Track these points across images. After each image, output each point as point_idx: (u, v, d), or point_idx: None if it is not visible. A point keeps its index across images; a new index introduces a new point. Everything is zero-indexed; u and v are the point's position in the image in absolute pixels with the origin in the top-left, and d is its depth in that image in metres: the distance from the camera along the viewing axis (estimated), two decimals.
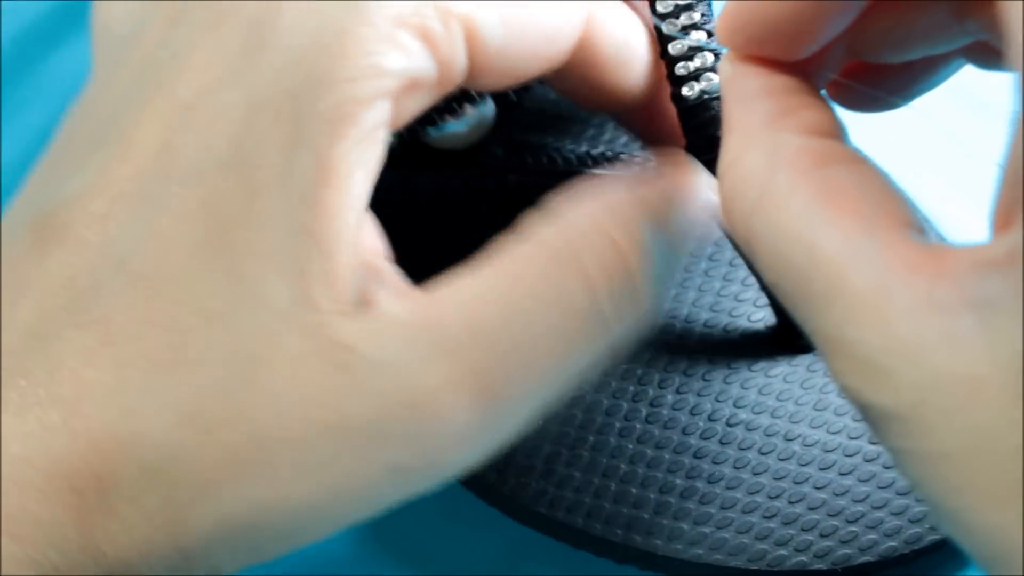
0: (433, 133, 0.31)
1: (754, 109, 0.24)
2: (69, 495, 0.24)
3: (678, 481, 0.31)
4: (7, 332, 0.25)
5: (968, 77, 0.29)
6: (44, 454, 0.24)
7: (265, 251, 0.25)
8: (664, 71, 0.30)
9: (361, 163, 0.25)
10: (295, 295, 0.24)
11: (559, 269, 0.26)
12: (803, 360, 0.33)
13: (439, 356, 0.25)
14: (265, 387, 0.24)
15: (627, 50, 0.30)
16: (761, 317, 0.34)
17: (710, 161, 0.30)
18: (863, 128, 0.29)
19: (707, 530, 0.30)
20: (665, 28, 0.30)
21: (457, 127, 0.31)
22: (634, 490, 0.31)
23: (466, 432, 0.25)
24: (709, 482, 0.31)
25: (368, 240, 0.26)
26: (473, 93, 0.31)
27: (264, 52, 0.26)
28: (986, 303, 0.19)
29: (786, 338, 0.33)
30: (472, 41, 0.27)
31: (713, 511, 0.31)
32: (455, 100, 0.31)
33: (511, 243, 0.26)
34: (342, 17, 0.25)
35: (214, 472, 0.24)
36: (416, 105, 0.27)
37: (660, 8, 0.30)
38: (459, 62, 0.27)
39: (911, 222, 0.22)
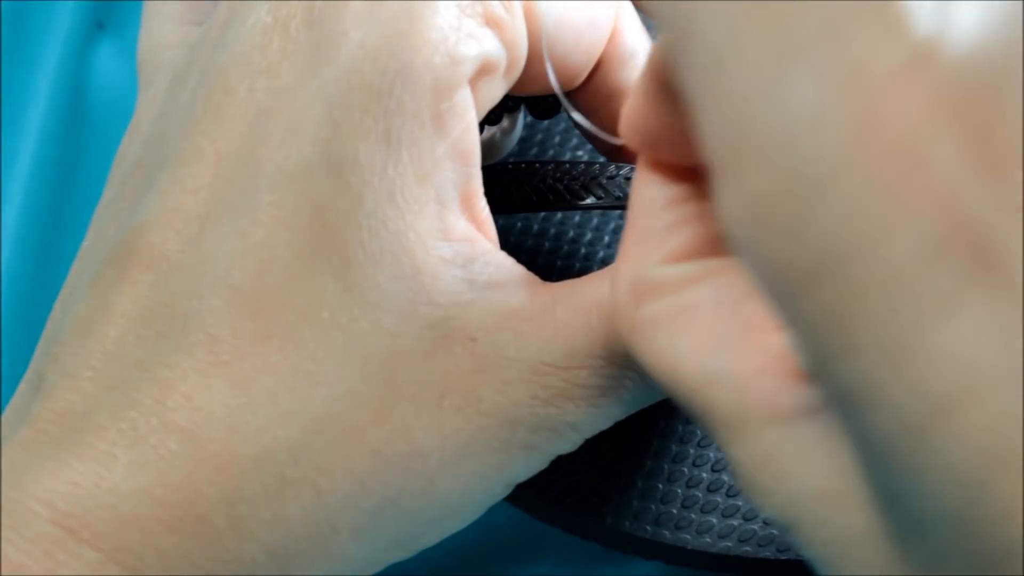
0: None
1: (633, 230, 0.24)
2: (195, 524, 0.23)
3: (704, 475, 0.32)
4: (107, 365, 0.25)
5: None
6: (163, 483, 0.23)
7: (373, 253, 0.24)
8: None
9: (457, 154, 0.25)
10: (411, 293, 0.25)
11: None
12: None
13: (562, 360, 0.25)
14: (402, 384, 0.25)
15: (638, 59, 0.30)
16: None
17: None
18: None
19: (735, 522, 0.31)
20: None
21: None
22: (660, 485, 0.32)
23: (583, 420, 0.26)
24: (735, 474, 0.32)
25: (471, 227, 0.26)
26: (509, 101, 0.31)
27: (334, 48, 0.25)
28: (816, 409, 0.19)
29: None
30: (530, 24, 0.27)
31: (740, 503, 0.31)
32: (494, 107, 0.31)
33: None
34: (410, 7, 0.25)
35: (363, 472, 0.24)
36: (491, 93, 0.27)
37: None
38: (522, 45, 0.27)
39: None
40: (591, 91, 0.30)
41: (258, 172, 0.25)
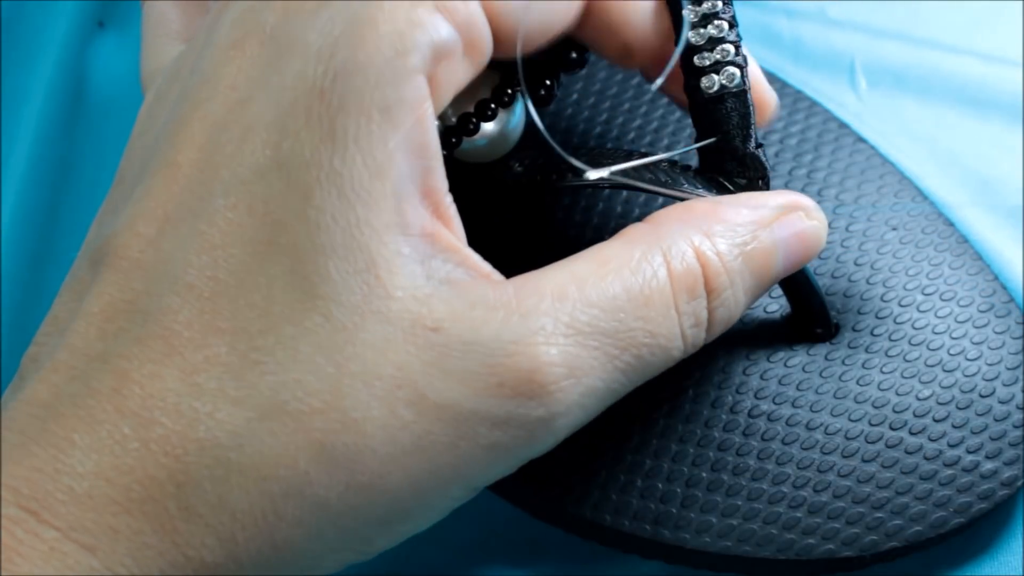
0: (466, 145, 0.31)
1: None
2: (146, 504, 0.25)
3: (704, 474, 0.32)
4: (71, 358, 0.26)
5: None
6: (116, 467, 0.25)
7: (323, 247, 0.25)
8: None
9: (411, 148, 0.26)
10: (366, 287, 0.25)
11: (648, 271, 0.27)
12: (821, 349, 0.33)
13: (529, 338, 0.26)
14: (353, 376, 0.25)
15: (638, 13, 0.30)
16: (777, 308, 0.34)
17: (722, 157, 0.30)
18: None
19: (735, 522, 0.31)
20: (685, 15, 0.30)
21: (478, 141, 0.31)
22: (660, 485, 0.32)
23: (557, 412, 0.26)
24: (734, 474, 0.31)
25: (434, 222, 0.26)
26: (505, 96, 0.31)
27: (282, 59, 0.26)
28: None
29: (803, 327, 0.34)
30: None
31: (740, 503, 0.31)
32: (487, 104, 0.31)
33: (609, 241, 0.28)
34: (355, 5, 0.26)
35: (307, 461, 0.25)
36: (454, 77, 0.27)
37: None
38: (479, 24, 0.27)
39: None
40: (592, 27, 0.30)
41: (214, 178, 0.26)
